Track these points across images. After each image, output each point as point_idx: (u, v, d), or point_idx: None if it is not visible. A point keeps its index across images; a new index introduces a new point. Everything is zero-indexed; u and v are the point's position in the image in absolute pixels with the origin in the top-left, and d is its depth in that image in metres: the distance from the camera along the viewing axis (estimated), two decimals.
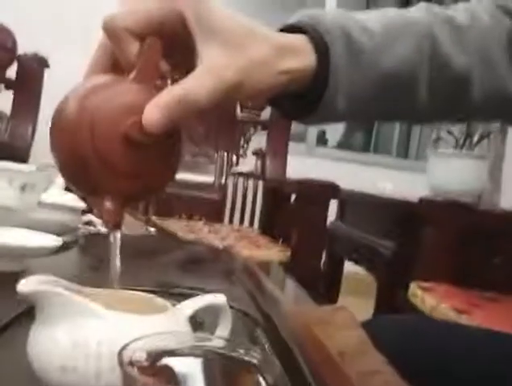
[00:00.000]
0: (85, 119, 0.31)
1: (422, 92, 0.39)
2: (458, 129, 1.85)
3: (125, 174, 0.32)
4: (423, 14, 0.41)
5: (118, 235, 0.33)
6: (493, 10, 0.43)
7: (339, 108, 0.38)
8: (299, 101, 0.38)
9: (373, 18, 0.39)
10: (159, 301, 0.31)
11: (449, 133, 1.88)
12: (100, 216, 0.33)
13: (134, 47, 0.33)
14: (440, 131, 2.40)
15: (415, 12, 0.41)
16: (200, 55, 0.32)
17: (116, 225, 0.33)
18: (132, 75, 0.33)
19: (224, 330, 0.33)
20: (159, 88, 0.33)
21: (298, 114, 0.39)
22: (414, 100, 0.40)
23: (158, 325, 0.27)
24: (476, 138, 1.85)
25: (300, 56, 0.35)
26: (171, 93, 0.31)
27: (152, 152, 0.32)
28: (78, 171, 0.32)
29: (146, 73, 0.33)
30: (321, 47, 0.36)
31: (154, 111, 0.31)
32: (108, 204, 0.32)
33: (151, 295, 0.31)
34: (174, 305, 0.31)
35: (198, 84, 0.32)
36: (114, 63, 0.35)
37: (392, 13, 0.41)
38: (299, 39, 0.36)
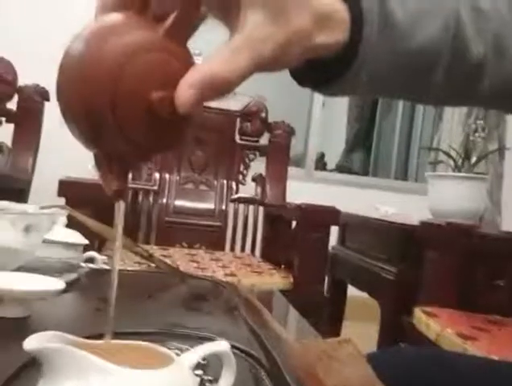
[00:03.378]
0: (111, 71, 0.28)
1: (439, 73, 0.39)
2: (455, 150, 1.87)
3: (139, 141, 0.30)
4: None
5: (123, 205, 0.32)
6: None
7: (362, 81, 0.37)
8: (323, 70, 0.37)
9: None
10: (163, 351, 0.31)
11: (447, 154, 1.89)
12: (104, 183, 0.31)
13: None
14: (438, 153, 2.41)
15: None
16: (243, 19, 0.31)
17: (120, 193, 0.32)
18: (166, 25, 0.30)
19: (228, 376, 0.33)
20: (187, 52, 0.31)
21: (318, 83, 0.38)
22: (431, 81, 0.39)
23: (164, 379, 0.27)
24: (474, 159, 1.86)
25: (336, 30, 0.34)
26: (207, 71, 0.30)
27: (170, 124, 0.30)
28: (89, 124, 0.29)
29: (182, 26, 0.30)
30: (357, 18, 0.35)
31: (188, 91, 0.29)
32: (115, 169, 0.31)
33: (155, 345, 0.31)
34: (178, 354, 0.31)
35: (234, 61, 0.30)
36: None
37: None
38: (338, 6, 0.34)
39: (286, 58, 0.32)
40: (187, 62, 0.31)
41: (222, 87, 0.30)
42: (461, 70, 0.39)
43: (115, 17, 0.30)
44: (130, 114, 0.29)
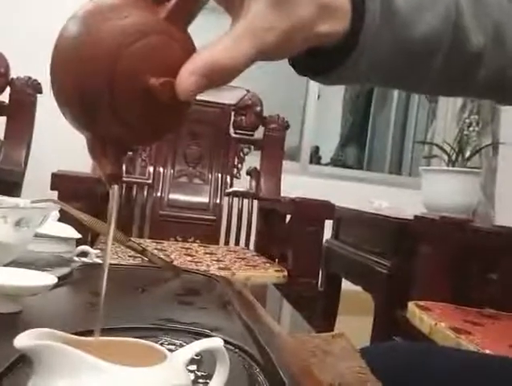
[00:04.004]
0: (110, 52, 0.27)
1: (439, 61, 0.39)
2: (449, 145, 1.87)
3: (135, 124, 0.29)
4: None
5: (116, 188, 0.31)
6: None
7: (361, 69, 0.37)
8: (322, 58, 0.37)
9: None
10: (156, 348, 0.31)
11: (441, 149, 1.90)
12: (98, 167, 0.31)
13: None
14: (432, 147, 2.42)
15: None
16: (246, 6, 0.30)
17: (114, 177, 0.31)
18: (168, 8, 0.29)
19: (222, 372, 0.33)
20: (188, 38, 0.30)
21: (316, 71, 0.38)
22: (430, 69, 0.39)
23: (157, 376, 0.27)
24: (468, 154, 1.86)
25: (338, 19, 0.34)
26: (209, 58, 0.29)
27: (167, 108, 0.30)
28: (84, 105, 0.28)
29: (184, 10, 0.30)
30: (359, 6, 0.35)
31: (190, 78, 0.29)
32: (109, 153, 0.30)
33: (148, 342, 0.31)
34: (171, 350, 0.31)
35: (237, 49, 0.30)
36: None
37: None
38: None
39: (288, 46, 0.32)
40: (189, 47, 0.30)
41: (224, 74, 0.30)
42: (461, 58, 0.39)
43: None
44: (128, 96, 0.28)
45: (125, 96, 0.28)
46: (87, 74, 0.28)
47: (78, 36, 0.28)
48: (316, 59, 0.36)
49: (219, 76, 0.30)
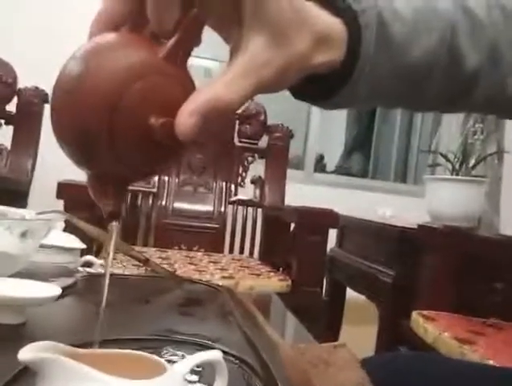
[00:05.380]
0: (109, 92, 0.28)
1: (436, 83, 0.39)
2: (454, 153, 1.87)
3: (134, 163, 0.30)
4: (451, 3, 0.40)
5: (115, 225, 0.32)
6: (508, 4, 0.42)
7: (360, 95, 0.38)
8: (320, 85, 0.37)
9: (404, 3, 0.38)
10: (156, 360, 0.31)
11: (445, 157, 1.90)
12: (99, 204, 0.31)
13: (173, 13, 0.29)
14: (437, 156, 2.42)
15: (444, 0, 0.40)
16: (245, 41, 0.31)
17: (114, 215, 0.31)
18: (167, 48, 0.29)
19: (220, 384, 0.33)
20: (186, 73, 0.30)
21: (315, 97, 0.39)
22: (427, 90, 0.40)
23: None
24: (472, 162, 1.86)
25: (335, 49, 0.35)
26: (207, 97, 0.29)
27: (167, 148, 0.30)
28: (83, 144, 0.28)
29: (184, 48, 0.30)
30: (355, 34, 0.35)
31: (189, 120, 0.28)
32: (109, 192, 0.31)
33: (148, 354, 0.32)
34: (172, 361, 0.32)
35: (236, 87, 0.30)
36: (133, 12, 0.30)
37: None
38: (336, 25, 0.35)
39: (284, 79, 0.33)
40: (189, 86, 0.31)
41: (226, 111, 0.30)
42: (458, 78, 0.40)
43: (111, 37, 0.30)
44: (127, 136, 0.28)
45: (124, 135, 0.28)
46: (86, 113, 0.28)
47: (77, 76, 0.28)
48: (314, 86, 0.37)
49: (220, 113, 0.30)
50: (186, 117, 0.28)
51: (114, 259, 1.35)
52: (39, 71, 1.75)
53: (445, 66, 0.39)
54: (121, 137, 0.28)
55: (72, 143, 0.29)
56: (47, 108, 1.78)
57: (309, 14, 0.33)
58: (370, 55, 0.36)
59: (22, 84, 1.80)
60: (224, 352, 0.34)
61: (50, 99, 0.30)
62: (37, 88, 1.79)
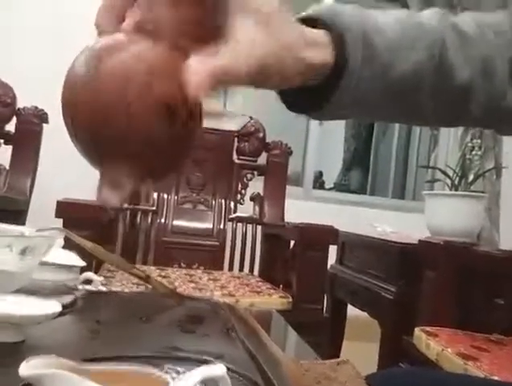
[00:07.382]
0: (122, 80, 0.29)
1: (425, 97, 0.41)
2: (452, 169, 1.87)
3: (149, 149, 0.31)
4: (437, 21, 0.41)
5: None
6: (500, 19, 0.43)
7: (346, 107, 0.39)
8: (309, 96, 0.39)
9: (390, 21, 0.40)
10: (159, 376, 0.31)
11: (444, 173, 1.90)
12: (104, 188, 0.32)
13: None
14: (435, 172, 2.42)
15: (430, 18, 0.42)
16: (234, 28, 0.33)
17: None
18: (168, 40, 0.32)
19: None
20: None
21: (305, 108, 0.41)
22: (417, 105, 0.41)
23: None
24: (471, 177, 1.86)
25: (322, 51, 0.37)
26: (215, 62, 0.31)
27: (177, 139, 0.32)
28: (103, 129, 0.30)
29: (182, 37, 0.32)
30: (340, 49, 0.37)
31: (198, 76, 0.31)
32: (124, 176, 0.32)
33: (150, 370, 0.31)
34: (174, 377, 0.31)
35: (239, 57, 0.32)
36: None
37: (406, 16, 0.42)
38: (321, 36, 0.37)
39: (278, 66, 0.35)
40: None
41: (230, 75, 0.32)
42: (448, 92, 0.41)
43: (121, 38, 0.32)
44: (143, 120, 0.30)
45: (140, 120, 0.30)
46: (101, 107, 0.30)
47: (88, 72, 0.30)
48: (304, 97, 0.39)
49: (227, 80, 0.32)
50: (199, 76, 0.30)
51: (113, 277, 1.34)
52: (37, 92, 1.76)
53: (433, 80, 0.40)
54: (138, 119, 0.30)
55: (91, 125, 0.30)
56: (46, 127, 1.79)
57: (293, 19, 0.36)
58: (357, 70, 0.38)
59: (21, 104, 1.80)
60: (227, 369, 0.33)
61: (62, 95, 0.31)
62: (36, 107, 1.80)
